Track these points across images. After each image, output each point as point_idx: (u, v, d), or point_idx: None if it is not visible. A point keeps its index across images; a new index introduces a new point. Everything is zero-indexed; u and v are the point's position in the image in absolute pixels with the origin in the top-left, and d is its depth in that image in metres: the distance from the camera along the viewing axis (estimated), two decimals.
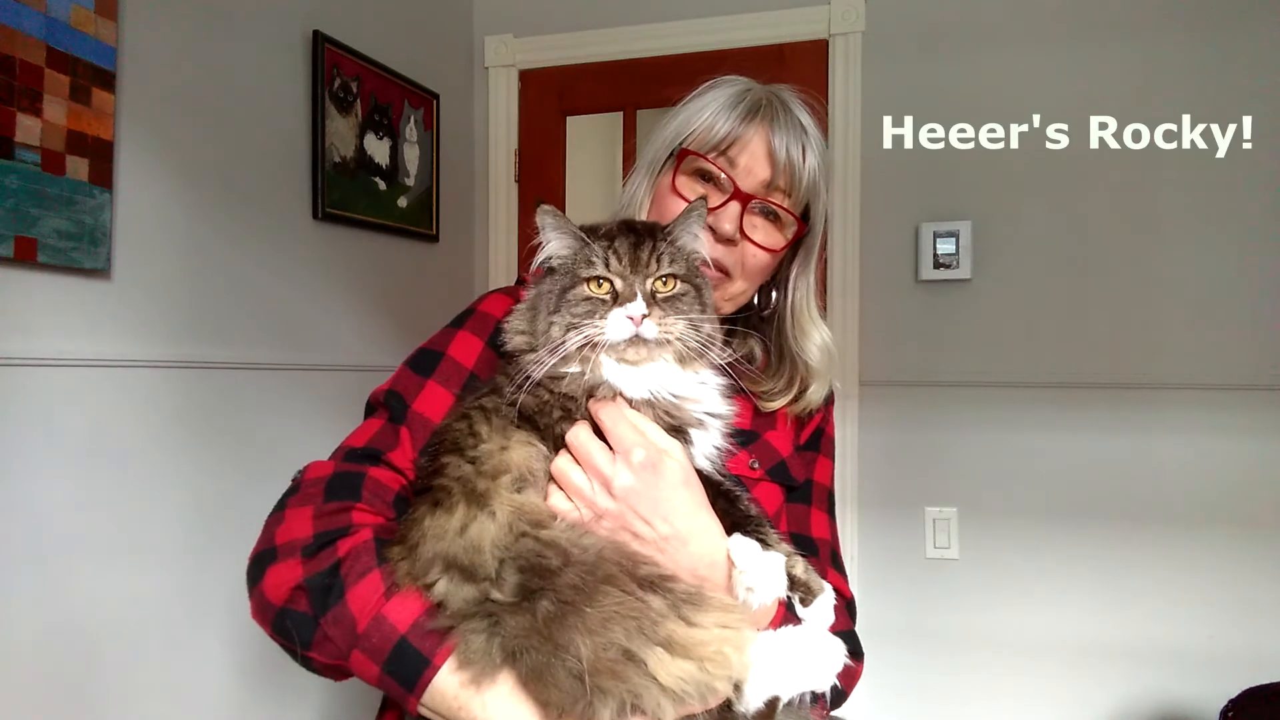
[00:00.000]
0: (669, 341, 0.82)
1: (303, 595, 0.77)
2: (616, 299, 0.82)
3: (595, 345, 0.81)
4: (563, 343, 0.81)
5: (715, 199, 0.98)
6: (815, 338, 1.05)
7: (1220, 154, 2.15)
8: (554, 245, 0.87)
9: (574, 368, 0.82)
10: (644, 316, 0.80)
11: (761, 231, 1.00)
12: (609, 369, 0.82)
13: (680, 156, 1.01)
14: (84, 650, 1.47)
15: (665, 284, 0.84)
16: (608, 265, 0.83)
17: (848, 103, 2.39)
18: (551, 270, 0.87)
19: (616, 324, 0.80)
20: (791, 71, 2.46)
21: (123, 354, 1.53)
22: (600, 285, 0.83)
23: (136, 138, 1.56)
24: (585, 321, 0.81)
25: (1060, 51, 2.26)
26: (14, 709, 1.36)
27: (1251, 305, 2.15)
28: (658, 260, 0.84)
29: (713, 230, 0.96)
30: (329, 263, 2.06)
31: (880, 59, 2.39)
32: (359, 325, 2.17)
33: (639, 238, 0.86)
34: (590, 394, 0.83)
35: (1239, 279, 2.16)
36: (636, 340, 0.81)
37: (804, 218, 1.03)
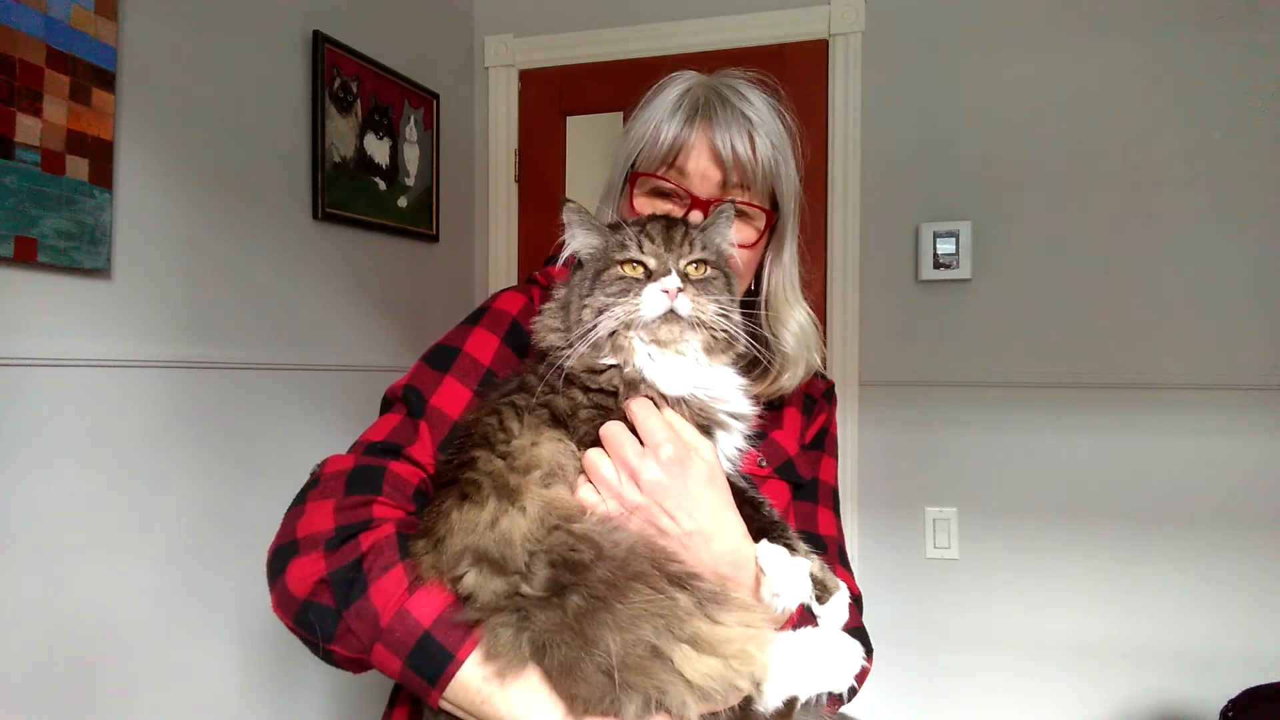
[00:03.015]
0: (701, 323, 0.83)
1: (326, 589, 0.77)
2: (650, 277, 0.83)
3: (629, 326, 0.81)
4: (594, 326, 0.81)
5: (678, 212, 0.98)
6: (791, 324, 1.04)
7: (1220, 154, 2.16)
8: (581, 239, 0.88)
9: (609, 359, 0.83)
10: (679, 290, 0.81)
11: (733, 231, 0.99)
12: (642, 357, 0.83)
13: (632, 179, 1.00)
14: (84, 650, 1.47)
15: (696, 268, 0.86)
16: (641, 247, 0.84)
17: (848, 103, 2.39)
18: (579, 264, 0.88)
19: (651, 298, 0.81)
20: (791, 71, 2.46)
21: (123, 354, 1.53)
22: (634, 267, 0.84)
23: (136, 138, 1.56)
24: (620, 300, 0.82)
25: (1060, 51, 2.26)
26: (14, 709, 1.36)
27: (1251, 305, 2.15)
28: (690, 244, 0.86)
29: None
30: (329, 263, 2.06)
31: (880, 59, 2.39)
32: (359, 325, 2.17)
33: (671, 223, 0.88)
34: (628, 390, 0.84)
35: (1239, 279, 2.16)
36: (670, 317, 0.82)
37: (774, 203, 1.02)
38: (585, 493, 0.81)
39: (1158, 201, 2.21)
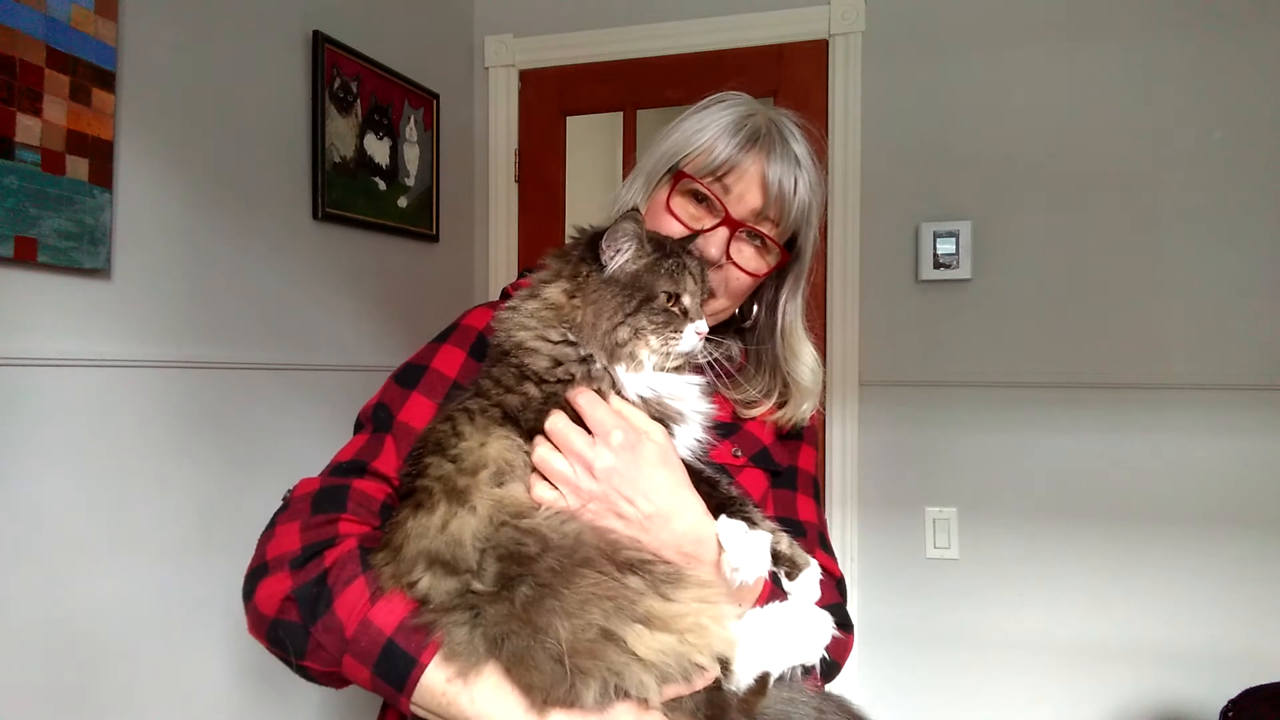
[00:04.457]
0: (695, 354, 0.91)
1: (293, 606, 0.79)
2: (685, 314, 0.89)
3: (654, 350, 0.87)
4: (625, 345, 0.86)
5: (706, 221, 1.02)
6: (806, 359, 1.10)
7: (1220, 154, 2.16)
8: (631, 254, 0.89)
9: (616, 366, 0.87)
10: (704, 335, 0.90)
11: (747, 256, 1.04)
12: (636, 372, 0.87)
13: (677, 177, 1.03)
14: (84, 650, 1.47)
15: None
16: (684, 284, 0.90)
17: (848, 103, 2.39)
18: (615, 276, 0.88)
19: (689, 338, 0.88)
20: (791, 71, 2.46)
21: (123, 354, 1.53)
22: (671, 300, 0.89)
23: (136, 138, 1.56)
24: (661, 331, 0.87)
25: (1060, 51, 2.26)
26: (14, 709, 1.36)
27: (1251, 305, 2.15)
28: (708, 286, 0.95)
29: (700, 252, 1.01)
30: (329, 263, 2.06)
31: (880, 59, 2.39)
32: (359, 325, 2.17)
33: (699, 262, 0.95)
34: (585, 383, 0.86)
35: (1239, 279, 2.16)
36: (689, 352, 0.89)
37: (790, 245, 1.07)
38: (541, 490, 0.83)
39: (1158, 201, 2.21)
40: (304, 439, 1.93)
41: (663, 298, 0.87)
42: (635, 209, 0.88)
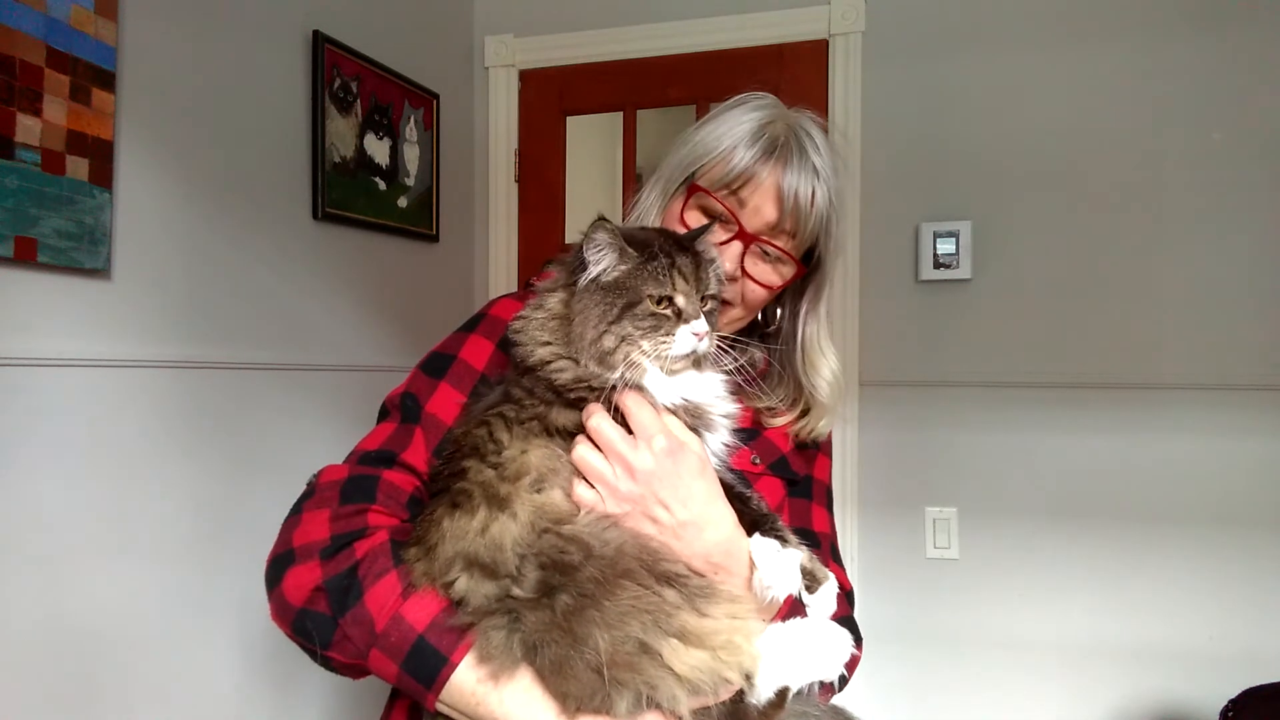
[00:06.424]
0: (707, 354, 0.88)
1: (322, 596, 0.79)
2: (680, 315, 0.85)
3: (649, 355, 0.84)
4: (615, 352, 0.83)
5: (721, 234, 1.00)
6: (825, 372, 1.07)
7: (1221, 154, 2.16)
8: (610, 261, 0.86)
9: (615, 374, 0.84)
10: (706, 333, 0.85)
11: (762, 270, 1.01)
12: (651, 377, 0.84)
13: (691, 189, 1.02)
14: (84, 650, 1.47)
15: (704, 303, 0.88)
16: (674, 284, 0.86)
17: (848, 103, 2.39)
18: (597, 284, 0.86)
19: (684, 340, 0.84)
20: (791, 71, 2.46)
21: (123, 354, 1.53)
22: (662, 303, 0.85)
23: (136, 138, 1.56)
24: (650, 335, 0.84)
25: (1060, 51, 2.26)
26: (14, 709, 1.36)
27: (1251, 305, 2.15)
28: (705, 282, 0.89)
29: None
30: (329, 263, 2.06)
31: (880, 59, 2.38)
32: (359, 325, 2.17)
33: (694, 258, 0.89)
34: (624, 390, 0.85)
35: (1239, 279, 2.16)
36: (691, 353, 0.85)
37: (810, 255, 1.05)
38: (581, 491, 0.82)
39: (1157, 202, 2.21)
40: (304, 439, 1.93)
41: (648, 302, 0.84)
42: (602, 216, 0.86)
